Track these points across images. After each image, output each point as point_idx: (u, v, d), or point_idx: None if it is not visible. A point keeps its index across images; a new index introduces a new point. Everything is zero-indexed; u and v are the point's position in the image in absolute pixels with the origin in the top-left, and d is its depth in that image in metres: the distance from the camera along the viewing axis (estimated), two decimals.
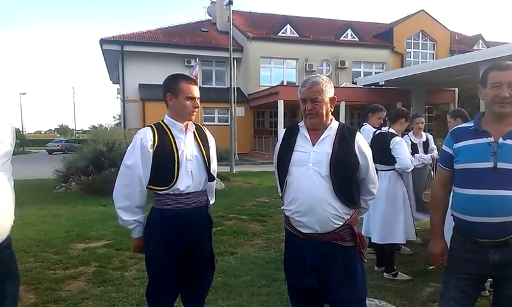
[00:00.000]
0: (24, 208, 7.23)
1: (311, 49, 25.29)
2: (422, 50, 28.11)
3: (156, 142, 2.27)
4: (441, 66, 16.37)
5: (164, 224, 2.28)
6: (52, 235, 5.67)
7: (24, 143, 40.88)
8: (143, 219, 2.37)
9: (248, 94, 24.22)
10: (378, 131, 4.25)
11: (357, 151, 2.08)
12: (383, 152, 3.88)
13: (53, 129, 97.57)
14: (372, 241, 4.11)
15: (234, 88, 17.65)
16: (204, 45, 24.42)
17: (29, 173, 12.76)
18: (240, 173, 14.23)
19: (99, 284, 3.77)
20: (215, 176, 2.53)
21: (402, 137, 4.25)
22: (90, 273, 4.08)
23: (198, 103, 2.39)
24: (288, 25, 25.95)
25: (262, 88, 23.21)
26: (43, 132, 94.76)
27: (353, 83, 23.95)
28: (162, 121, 2.39)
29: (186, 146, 2.33)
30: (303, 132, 2.13)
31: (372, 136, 4.26)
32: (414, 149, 4.84)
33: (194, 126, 2.43)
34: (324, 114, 2.09)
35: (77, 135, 53.93)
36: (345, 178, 2.04)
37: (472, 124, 2.01)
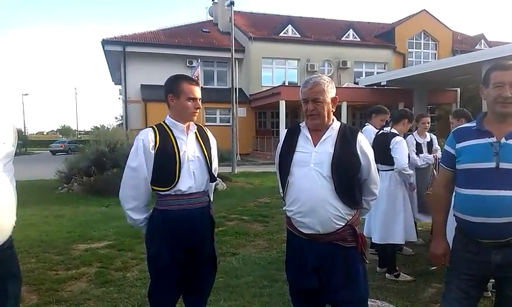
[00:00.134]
0: (26, 209, 7.25)
1: (313, 49, 25.28)
2: (424, 50, 28.06)
3: (158, 143, 2.27)
4: (444, 66, 16.32)
5: (166, 224, 2.28)
6: (54, 235, 5.68)
7: (26, 144, 41.01)
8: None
9: (250, 95, 24.22)
10: (380, 131, 4.24)
11: (359, 152, 2.07)
12: (384, 152, 3.88)
13: (55, 130, 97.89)
14: (373, 241, 4.10)
15: (236, 89, 17.64)
16: (206, 46, 24.45)
17: (32, 174, 12.79)
18: (242, 174, 14.24)
19: (101, 285, 3.77)
20: (216, 176, 2.53)
21: (405, 137, 4.24)
22: (92, 274, 4.08)
23: (200, 104, 2.39)
24: (290, 25, 25.95)
25: (264, 89, 23.20)
26: (45, 133, 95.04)
27: (355, 83, 23.93)
28: (164, 122, 2.39)
29: (188, 146, 2.33)
30: (305, 132, 2.13)
31: (374, 137, 4.26)
32: (418, 149, 4.83)
33: (196, 127, 2.43)
34: (326, 114, 2.09)
35: (79, 136, 54.01)
36: (347, 178, 2.04)
37: (474, 124, 2.00)
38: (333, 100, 2.11)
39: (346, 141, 2.07)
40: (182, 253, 2.31)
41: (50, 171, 11.36)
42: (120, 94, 27.91)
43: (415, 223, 5.16)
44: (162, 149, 2.27)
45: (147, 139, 2.28)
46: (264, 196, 9.11)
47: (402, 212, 3.94)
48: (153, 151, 2.26)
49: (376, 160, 2.22)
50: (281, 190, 2.23)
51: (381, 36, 27.79)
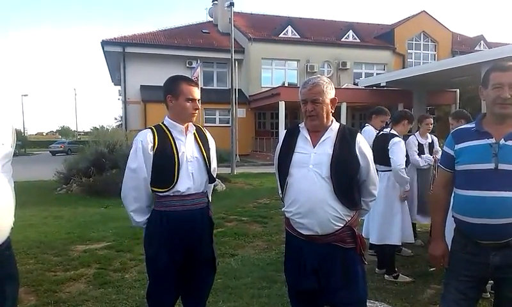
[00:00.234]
0: (25, 210, 7.24)
1: (312, 50, 25.29)
2: (424, 51, 28.08)
3: (156, 144, 2.28)
4: (443, 67, 16.35)
5: (165, 226, 2.28)
6: (52, 236, 5.67)
7: (25, 145, 40.99)
8: None
9: (249, 96, 24.22)
10: (380, 132, 4.24)
11: (358, 153, 2.07)
12: (383, 153, 3.88)
13: (54, 131, 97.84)
14: (371, 242, 4.10)
15: (235, 89, 17.66)
16: (205, 47, 24.44)
17: (31, 175, 12.78)
18: (241, 174, 14.23)
19: (99, 286, 3.76)
20: (215, 177, 2.53)
21: (406, 138, 4.23)
22: (90, 275, 4.07)
23: (199, 104, 2.39)
24: (289, 26, 25.96)
25: (263, 89, 23.21)
26: (44, 134, 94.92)
27: (354, 84, 23.95)
28: (163, 122, 2.39)
29: (187, 147, 2.33)
30: (304, 133, 2.13)
31: (374, 138, 4.26)
32: (420, 149, 4.84)
33: (195, 127, 2.43)
34: (325, 115, 2.09)
35: (78, 137, 53.98)
36: (346, 179, 2.04)
37: (473, 125, 2.00)
38: (332, 101, 2.11)
39: (345, 142, 2.07)
40: (181, 254, 2.31)
41: (50, 172, 11.35)
42: (120, 95, 27.93)
43: (414, 224, 5.17)
44: (160, 150, 2.27)
45: (146, 140, 2.28)
46: (263, 196, 9.10)
47: (400, 213, 3.94)
48: (151, 152, 2.26)
49: (374, 161, 2.22)
50: (280, 191, 2.23)
51: (381, 37, 27.81)
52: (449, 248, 2.08)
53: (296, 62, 25.60)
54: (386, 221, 3.92)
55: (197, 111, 2.37)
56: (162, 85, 2.44)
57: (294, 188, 2.07)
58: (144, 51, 23.29)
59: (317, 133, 2.10)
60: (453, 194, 2.04)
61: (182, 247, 2.30)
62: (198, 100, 2.38)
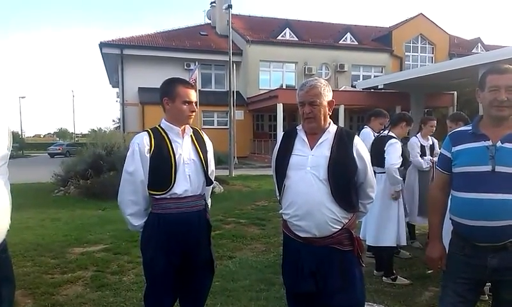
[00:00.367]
0: (22, 212, 7.21)
1: (310, 53, 25.34)
2: (421, 54, 28.17)
3: (153, 146, 2.27)
4: (440, 69, 16.42)
5: (162, 228, 2.27)
6: (50, 239, 5.65)
7: (23, 147, 40.87)
8: None
9: (247, 98, 24.24)
10: (379, 135, 4.25)
11: (355, 155, 2.07)
12: (380, 155, 3.89)
13: (52, 133, 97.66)
14: (367, 243, 4.10)
15: (233, 92, 17.65)
16: (203, 49, 24.45)
17: (28, 177, 12.74)
18: (239, 177, 14.22)
19: (97, 289, 3.74)
20: (213, 179, 2.52)
21: (407, 140, 4.23)
22: (88, 277, 4.06)
23: (195, 107, 2.39)
24: (287, 28, 26.01)
25: (261, 92, 23.23)
26: (42, 136, 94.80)
27: (352, 87, 23.99)
28: (159, 125, 2.38)
29: (183, 149, 2.33)
30: (301, 135, 2.13)
31: (373, 140, 4.28)
32: (422, 151, 4.88)
33: (192, 130, 2.42)
34: (322, 117, 2.09)
35: (76, 139, 53.87)
36: (344, 181, 2.04)
37: (470, 127, 2.01)
38: (330, 103, 2.12)
39: (343, 144, 2.07)
40: (178, 257, 2.30)
41: (47, 174, 11.31)
42: (118, 97, 27.88)
43: (413, 226, 5.18)
44: (157, 152, 2.27)
45: (142, 143, 2.27)
46: (261, 199, 9.09)
47: (396, 215, 3.95)
48: (148, 155, 2.26)
49: (372, 163, 2.22)
50: (277, 194, 2.22)
51: (378, 40, 27.89)
52: (447, 250, 2.08)
53: (293, 64, 25.63)
54: (383, 223, 3.93)
55: (194, 113, 2.37)
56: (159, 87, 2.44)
57: (292, 190, 2.07)
58: (142, 53, 23.29)
59: (314, 135, 2.10)
60: (450, 197, 2.04)
61: (179, 250, 2.29)
62: (195, 103, 2.38)
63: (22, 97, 49.70)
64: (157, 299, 2.35)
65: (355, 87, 22.92)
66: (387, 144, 3.90)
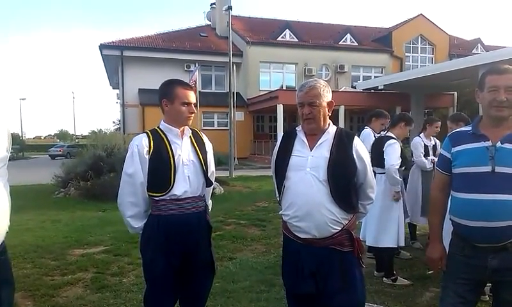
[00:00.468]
0: (22, 214, 7.22)
1: (310, 54, 25.36)
2: (421, 54, 28.19)
3: (152, 148, 2.27)
4: (440, 70, 16.42)
5: (162, 230, 2.27)
6: (50, 240, 5.65)
7: (23, 148, 40.90)
8: None
9: (248, 99, 24.25)
10: (379, 135, 4.26)
11: (355, 156, 2.07)
12: (380, 155, 3.90)
13: (53, 134, 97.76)
14: (367, 244, 4.10)
15: (233, 93, 17.67)
16: (204, 50, 24.48)
17: (29, 178, 12.74)
18: (239, 178, 14.22)
19: (97, 291, 3.74)
20: (213, 180, 2.52)
21: (407, 141, 4.24)
22: (88, 279, 4.05)
23: (194, 108, 2.39)
24: (287, 29, 26.03)
25: (262, 93, 23.26)
26: (42, 137, 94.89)
27: (352, 87, 24.00)
28: (158, 127, 2.38)
29: (183, 151, 2.33)
30: (301, 136, 2.13)
31: (373, 141, 4.28)
32: (426, 151, 4.88)
33: (191, 131, 2.42)
34: (322, 118, 2.09)
35: (76, 141, 53.94)
36: (343, 182, 2.03)
37: (470, 128, 2.00)
38: (329, 104, 2.11)
39: (342, 145, 2.07)
40: (178, 258, 2.29)
41: (48, 176, 11.32)
42: (118, 98, 27.92)
43: (415, 226, 5.18)
44: (156, 154, 2.27)
45: (141, 144, 2.27)
46: (261, 200, 9.09)
47: (397, 216, 3.95)
48: (147, 156, 2.26)
49: (372, 164, 2.22)
50: (277, 195, 2.22)
51: (378, 41, 27.91)
52: (447, 251, 2.08)
53: (294, 65, 25.65)
54: (383, 224, 3.93)
55: (193, 115, 2.37)
56: None
57: (291, 191, 2.07)
58: (142, 54, 23.32)
59: (314, 136, 2.10)
60: (450, 197, 2.04)
61: (179, 251, 2.29)
62: (194, 104, 2.38)
63: (23, 99, 49.94)
64: (157, 300, 2.34)
65: (355, 88, 22.93)
66: (386, 144, 3.90)
